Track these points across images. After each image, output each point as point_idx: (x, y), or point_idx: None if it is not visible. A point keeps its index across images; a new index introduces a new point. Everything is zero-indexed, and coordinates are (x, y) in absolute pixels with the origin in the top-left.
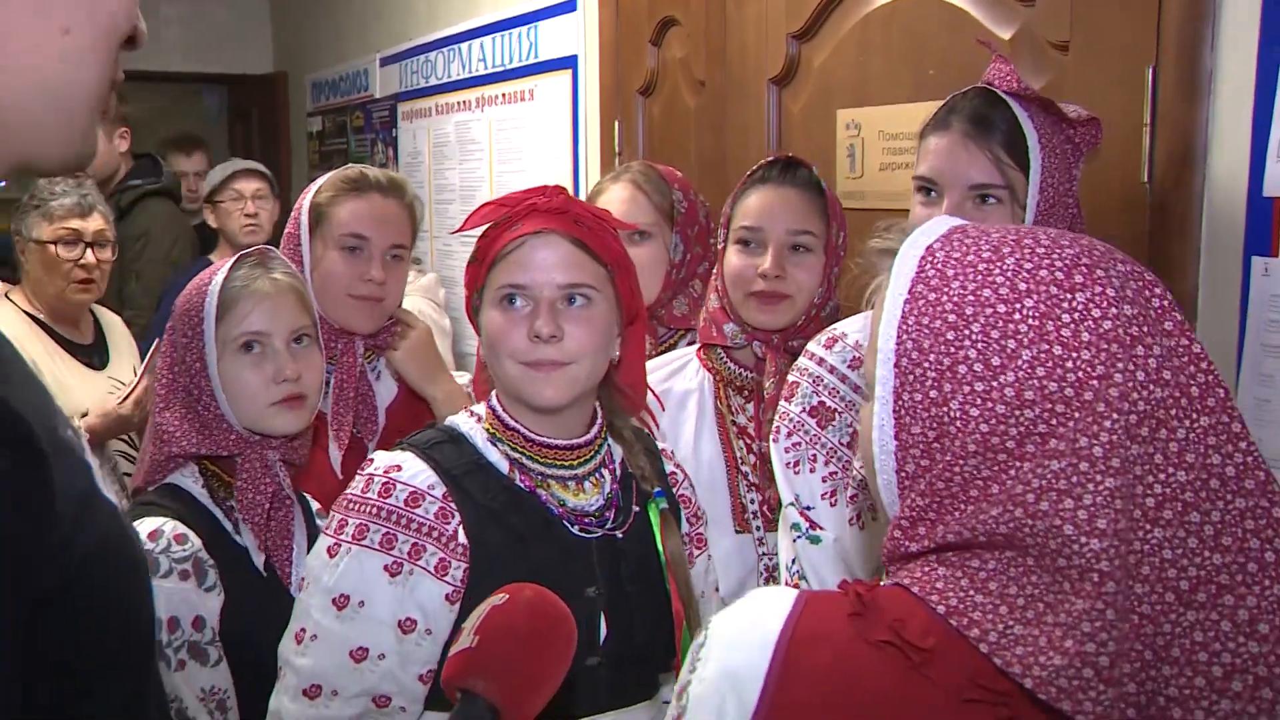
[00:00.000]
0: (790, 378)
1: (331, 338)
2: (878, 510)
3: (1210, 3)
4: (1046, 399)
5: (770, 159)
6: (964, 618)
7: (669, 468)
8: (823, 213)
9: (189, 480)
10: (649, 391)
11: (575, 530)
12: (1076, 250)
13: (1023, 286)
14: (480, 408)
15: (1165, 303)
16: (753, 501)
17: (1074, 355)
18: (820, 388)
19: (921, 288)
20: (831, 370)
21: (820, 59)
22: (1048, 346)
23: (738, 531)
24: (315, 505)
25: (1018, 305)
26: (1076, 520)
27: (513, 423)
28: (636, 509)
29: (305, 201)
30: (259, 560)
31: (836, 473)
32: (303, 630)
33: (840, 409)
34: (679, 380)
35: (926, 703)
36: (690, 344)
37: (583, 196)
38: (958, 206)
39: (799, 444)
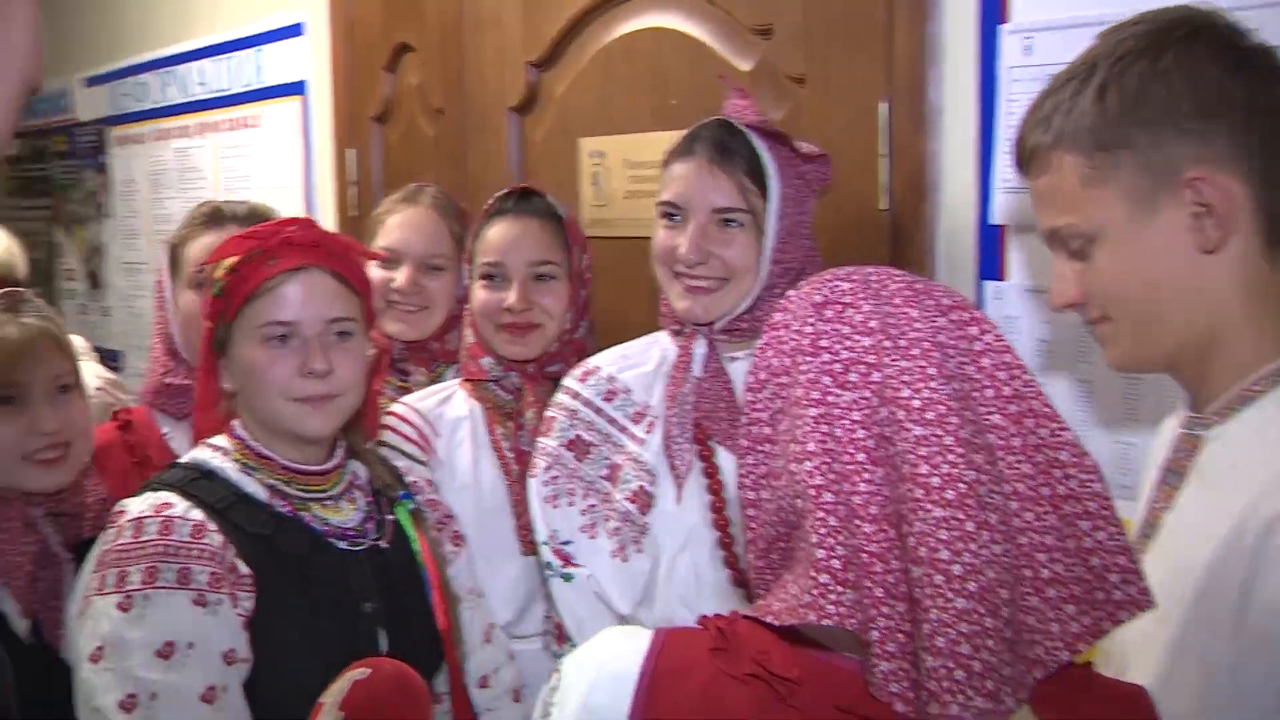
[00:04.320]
0: (547, 414)
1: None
2: (640, 543)
3: (933, 45)
4: (772, 374)
5: (505, 191)
6: (765, 611)
7: (410, 478)
8: (562, 240)
9: None
10: (420, 415)
11: (343, 545)
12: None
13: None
14: (222, 440)
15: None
16: None
17: (785, 331)
18: (576, 421)
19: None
20: (587, 404)
21: (561, 88)
22: (773, 332)
23: (523, 554)
24: None
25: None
26: (797, 454)
27: (266, 452)
28: (390, 517)
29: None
30: (21, 626)
31: (595, 505)
32: (132, 697)
33: (597, 442)
34: (450, 408)
35: None
36: (455, 376)
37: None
38: (702, 229)
39: (557, 477)
